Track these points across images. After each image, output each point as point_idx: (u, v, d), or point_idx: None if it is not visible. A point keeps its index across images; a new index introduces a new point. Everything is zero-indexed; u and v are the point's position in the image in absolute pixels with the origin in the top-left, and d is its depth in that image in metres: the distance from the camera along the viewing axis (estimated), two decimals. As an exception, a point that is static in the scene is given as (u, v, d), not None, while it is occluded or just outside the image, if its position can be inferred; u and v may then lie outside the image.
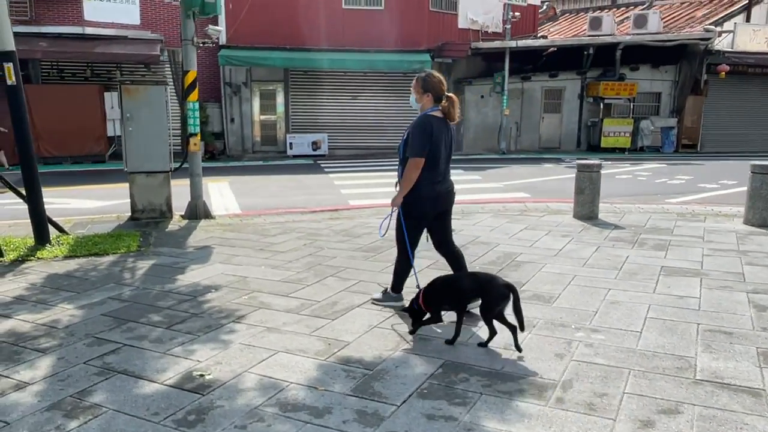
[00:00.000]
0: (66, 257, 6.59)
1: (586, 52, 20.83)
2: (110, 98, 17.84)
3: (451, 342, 4.04)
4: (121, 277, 5.84)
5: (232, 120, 19.47)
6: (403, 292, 4.84)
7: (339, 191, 12.14)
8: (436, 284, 4.14)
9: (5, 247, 6.68)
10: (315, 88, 20.34)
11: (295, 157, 19.41)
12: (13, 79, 6.46)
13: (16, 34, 16.41)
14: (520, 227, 7.96)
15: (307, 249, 6.84)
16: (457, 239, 7.14)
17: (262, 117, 20.28)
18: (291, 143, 19.54)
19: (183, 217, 8.93)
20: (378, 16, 19.52)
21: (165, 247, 7.11)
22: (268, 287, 5.42)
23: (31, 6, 17.13)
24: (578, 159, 9.75)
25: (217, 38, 8.68)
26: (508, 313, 3.91)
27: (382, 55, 19.25)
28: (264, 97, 20.15)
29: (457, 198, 4.81)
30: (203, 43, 8.72)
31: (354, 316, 4.65)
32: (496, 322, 3.92)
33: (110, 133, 17.92)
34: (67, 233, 7.52)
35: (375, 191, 11.95)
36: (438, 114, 4.36)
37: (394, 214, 4.62)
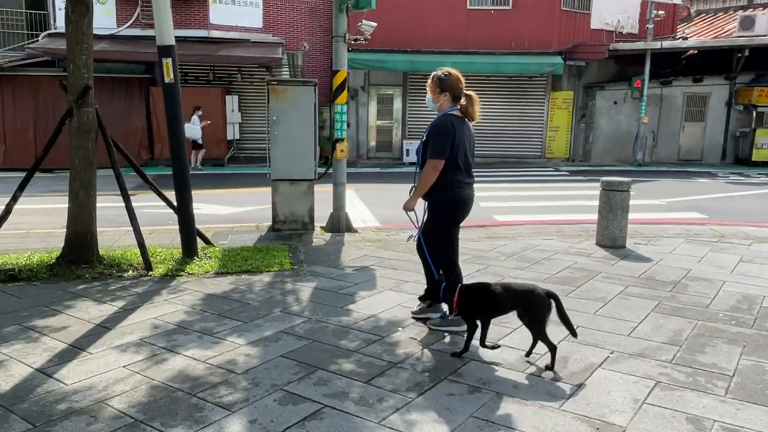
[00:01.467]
0: (217, 273, 5.94)
1: (738, 55, 18.65)
2: (231, 101, 17.75)
3: (456, 354, 3.86)
4: (285, 303, 5.07)
5: (348, 125, 18.87)
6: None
7: (477, 204, 11.06)
8: (472, 290, 3.90)
9: (153, 259, 6.13)
10: (434, 93, 19.43)
11: (411, 164, 18.56)
12: (171, 76, 5.90)
13: (146, 38, 16.67)
14: (733, 258, 6.58)
15: (484, 278, 5.83)
16: (665, 273, 5.90)
17: (378, 122, 19.60)
18: (407, 150, 18.73)
19: (324, 229, 8.20)
20: (505, 16, 18.36)
21: (319, 265, 6.34)
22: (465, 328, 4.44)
23: (160, 9, 17.31)
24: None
25: (370, 35, 7.84)
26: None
27: (509, 57, 18.07)
28: (381, 101, 19.46)
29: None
30: (355, 39, 7.95)
31: (603, 383, 3.57)
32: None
33: (229, 136, 17.83)
34: (213, 245, 6.93)
35: (520, 205, 10.81)
36: (457, 113, 4.15)
37: (412, 216, 4.36)
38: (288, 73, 18.19)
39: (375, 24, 8.03)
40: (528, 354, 3.88)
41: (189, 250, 6.38)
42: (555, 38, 18.46)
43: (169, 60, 5.87)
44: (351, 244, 7.38)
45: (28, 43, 16.84)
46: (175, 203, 6.49)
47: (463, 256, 6.68)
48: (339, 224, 8.16)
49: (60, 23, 16.55)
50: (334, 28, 7.92)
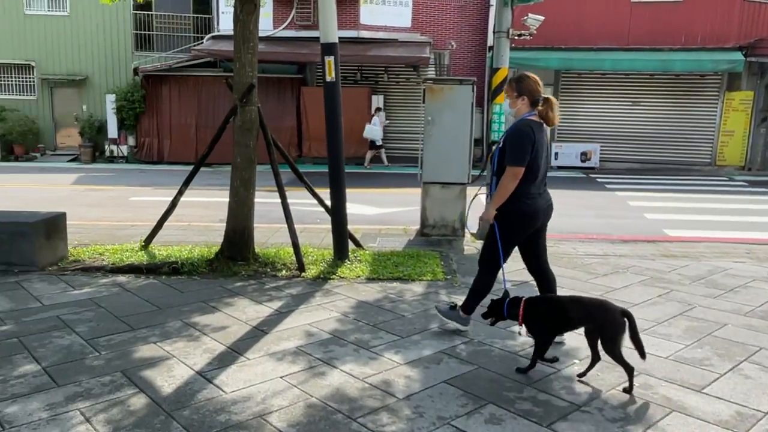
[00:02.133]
0: (368, 279, 5.70)
1: None
2: (376, 101, 17.81)
3: (522, 370, 3.68)
4: (443, 318, 4.68)
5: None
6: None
7: (641, 215, 10.03)
8: (538, 303, 3.71)
9: (305, 259, 6.03)
10: (588, 93, 18.20)
11: (560, 168, 17.52)
12: (333, 75, 5.74)
13: (299, 39, 17.19)
14: None
15: (668, 305, 5.06)
16: None
17: (526, 123, 18.70)
18: (556, 153, 17.68)
19: (474, 236, 7.74)
20: (674, 9, 16.69)
21: (471, 276, 5.86)
22: (657, 368, 3.78)
23: (314, 11, 17.76)
24: None
25: (536, 29, 7.24)
26: None
27: (678, 54, 16.40)
28: (530, 101, 18.56)
29: None
30: (519, 35, 7.40)
31: None
32: None
33: (372, 136, 17.93)
34: (363, 248, 6.74)
35: (693, 219, 9.61)
36: (535, 119, 3.90)
37: (486, 228, 4.09)
38: (434, 72, 17.92)
39: (542, 18, 7.43)
40: (582, 375, 3.62)
41: (340, 253, 6.22)
42: (734, 32, 16.48)
43: (332, 58, 5.72)
44: (506, 255, 6.85)
45: (194, 45, 18.04)
46: (326, 202, 6.37)
47: (638, 276, 5.95)
48: (491, 232, 7.66)
49: (222, 26, 17.56)
50: (496, 23, 7.43)
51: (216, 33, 17.88)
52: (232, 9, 5.94)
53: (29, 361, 3.76)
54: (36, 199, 10.72)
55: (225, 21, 17.37)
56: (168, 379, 3.56)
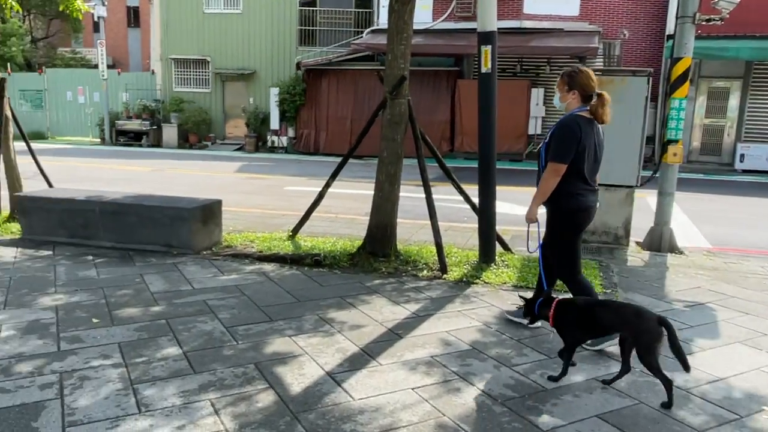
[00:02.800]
0: (515, 286, 5.25)
1: None
2: (536, 94, 16.98)
3: (554, 378, 3.42)
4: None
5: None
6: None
7: None
8: (570, 306, 3.48)
9: (448, 260, 5.71)
10: (785, 87, 15.86)
11: (744, 172, 15.47)
12: (489, 65, 5.34)
13: (458, 31, 16.84)
14: None
15: None
16: None
17: (706, 121, 16.76)
18: (742, 155, 15.63)
19: (640, 246, 6.92)
20: None
21: (637, 293, 5.21)
22: None
23: (474, 2, 17.32)
24: None
25: (728, 14, 6.25)
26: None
27: None
28: (712, 96, 16.58)
29: None
30: (707, 20, 6.43)
31: None
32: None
33: (530, 131, 17.11)
34: (511, 251, 6.27)
35: None
36: (586, 114, 3.73)
37: (533, 229, 4.00)
38: (603, 64, 16.65)
39: (737, 0, 6.38)
40: (608, 383, 3.41)
41: (486, 255, 5.81)
42: None
43: (489, 47, 5.32)
44: (677, 270, 6.01)
45: (354, 40, 18.44)
46: (474, 199, 6.00)
47: None
48: (661, 242, 6.80)
49: (382, 20, 17.74)
50: (680, 6, 6.52)
51: (375, 27, 18.12)
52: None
53: (173, 344, 3.85)
54: (201, 185, 11.51)
55: (385, 15, 17.54)
56: (298, 377, 3.43)
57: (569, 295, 3.91)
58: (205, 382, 3.36)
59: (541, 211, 3.90)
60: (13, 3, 7.83)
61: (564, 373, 3.46)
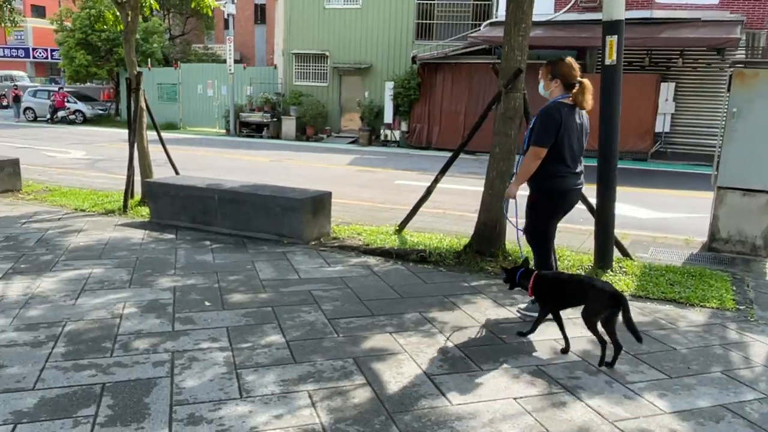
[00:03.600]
0: (634, 296, 4.86)
1: None
2: (666, 89, 15.81)
3: (522, 334, 3.92)
4: (728, 361, 3.72)
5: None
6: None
7: None
8: (545, 278, 3.85)
9: (560, 264, 5.41)
10: None
11: None
12: (614, 57, 4.98)
13: (581, 23, 16.02)
14: None
15: None
16: None
17: None
18: None
19: (782, 258, 6.20)
20: None
21: (776, 311, 4.65)
22: None
23: (600, -8, 16.44)
24: None
25: None
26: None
27: None
28: None
29: None
30: None
31: None
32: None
33: (658, 128, 15.97)
34: (630, 257, 5.84)
35: None
36: (568, 101, 3.98)
37: (510, 205, 4.28)
38: (745, 56, 15.19)
39: None
40: (610, 365, 3.57)
41: (602, 261, 5.45)
42: None
43: (615, 38, 4.95)
44: (828, 288, 5.31)
45: (471, 33, 18.12)
46: (591, 200, 5.64)
47: None
48: (807, 255, 6.05)
49: (501, 12, 17.28)
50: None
51: (493, 19, 17.71)
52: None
53: (276, 332, 3.93)
54: (315, 177, 11.81)
55: (504, 7, 17.10)
56: (396, 376, 3.37)
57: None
58: (305, 372, 3.38)
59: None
60: (152, 1, 8.39)
61: (531, 331, 3.90)
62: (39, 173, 10.83)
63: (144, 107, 7.72)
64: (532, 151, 3.98)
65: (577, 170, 4.12)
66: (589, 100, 4.00)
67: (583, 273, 5.24)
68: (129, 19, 7.72)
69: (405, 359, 3.59)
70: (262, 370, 3.40)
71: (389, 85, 18.99)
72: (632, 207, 8.96)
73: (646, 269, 5.51)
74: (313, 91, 21.43)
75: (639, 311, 4.51)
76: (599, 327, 3.55)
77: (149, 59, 26.23)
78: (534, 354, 3.73)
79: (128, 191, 7.62)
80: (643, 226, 7.79)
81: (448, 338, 3.92)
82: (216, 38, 36.80)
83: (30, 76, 38.83)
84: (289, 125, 20.72)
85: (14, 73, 36.39)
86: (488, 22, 17.75)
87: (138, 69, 7.75)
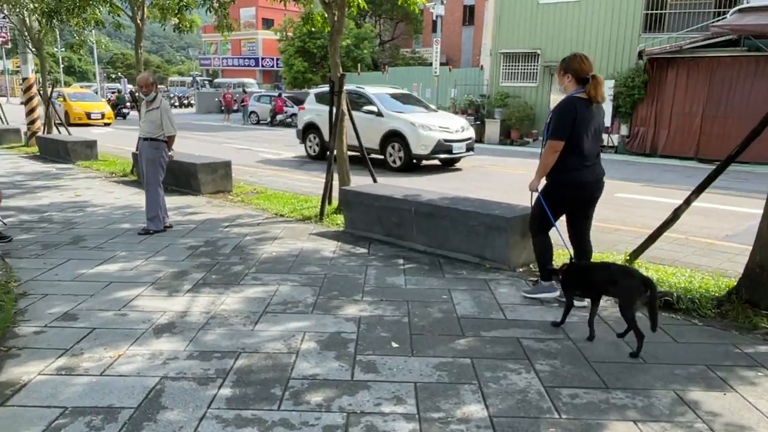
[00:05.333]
0: None
1: None
2: None
3: (556, 324, 3.97)
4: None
5: None
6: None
7: None
8: (572, 268, 3.92)
9: None
10: None
11: None
12: None
13: None
14: None
15: None
16: None
17: None
18: None
19: None
20: None
21: None
22: None
23: None
24: None
25: None
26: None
27: None
28: None
29: None
30: None
31: None
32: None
33: None
34: None
35: None
36: (583, 96, 4.08)
37: (534, 197, 4.38)
38: None
39: None
40: (635, 354, 3.52)
41: None
42: None
43: None
44: None
45: (713, 22, 15.46)
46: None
47: None
48: None
49: (755, -5, 14.46)
50: None
51: (743, 5, 14.91)
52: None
53: (477, 398, 3.04)
54: (518, 186, 10.66)
55: (758, -11, 14.27)
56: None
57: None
58: (514, 473, 2.44)
59: None
60: (360, 0, 8.02)
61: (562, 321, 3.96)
62: (251, 174, 11.27)
63: (345, 111, 7.35)
64: (549, 144, 4.09)
65: (596, 164, 4.23)
66: (602, 92, 4.05)
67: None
68: (335, 19, 7.41)
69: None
70: (456, 460, 2.53)
71: (609, 84, 16.98)
72: None
73: None
74: (520, 92, 20.19)
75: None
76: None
77: (359, 64, 27.09)
78: None
79: (325, 198, 7.32)
80: None
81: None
82: (423, 42, 37.13)
83: (258, 83, 42.85)
84: (492, 128, 19.76)
85: (245, 80, 40.39)
86: (737, 8, 14.96)
87: (341, 72, 7.41)
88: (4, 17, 15.51)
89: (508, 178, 11.63)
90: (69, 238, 6.15)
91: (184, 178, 8.98)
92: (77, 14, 10.48)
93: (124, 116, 30.50)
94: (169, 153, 6.40)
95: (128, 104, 30.48)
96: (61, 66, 55.09)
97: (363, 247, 5.96)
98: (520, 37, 20.09)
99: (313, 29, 9.40)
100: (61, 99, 24.68)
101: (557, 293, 4.41)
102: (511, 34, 20.31)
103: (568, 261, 4.09)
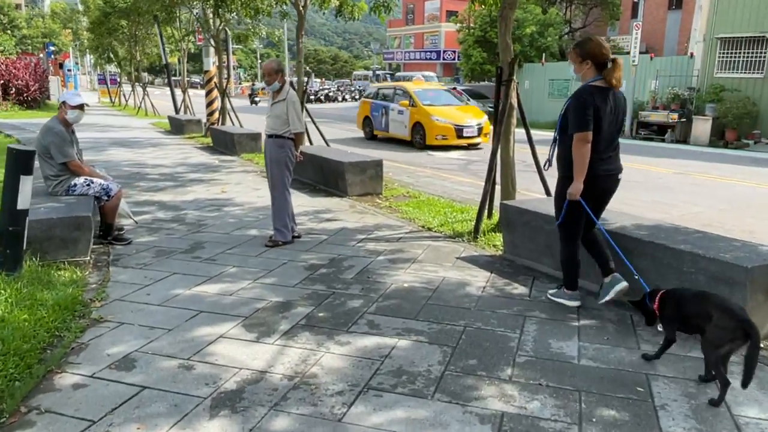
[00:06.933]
0: None
1: None
2: None
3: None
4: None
5: None
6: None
7: None
8: (669, 294, 3.22)
9: None
10: None
11: None
12: None
13: None
14: None
15: None
16: None
17: None
18: None
19: None
20: None
21: None
22: None
23: None
24: None
25: None
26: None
27: None
28: None
29: None
30: None
31: None
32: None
33: None
34: None
35: None
36: (601, 84, 3.75)
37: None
38: None
39: None
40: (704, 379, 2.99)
41: None
42: None
43: None
44: None
45: None
46: None
47: None
48: None
49: None
50: None
51: None
52: None
53: None
54: (742, 202, 8.30)
55: None
56: None
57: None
58: None
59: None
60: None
61: (656, 356, 3.27)
62: (408, 174, 10.19)
63: (515, 104, 5.88)
64: (578, 138, 3.68)
65: (616, 156, 3.87)
66: (620, 77, 3.74)
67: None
68: (509, -9, 5.95)
69: None
70: None
71: None
72: None
73: None
74: (741, 85, 16.73)
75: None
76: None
77: (543, 54, 24.92)
78: None
79: (482, 211, 5.93)
80: None
81: None
82: (620, 28, 33.46)
83: (438, 77, 42.10)
84: (701, 127, 16.63)
85: (426, 73, 39.83)
86: None
87: (513, 55, 5.94)
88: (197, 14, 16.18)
89: (727, 192, 9.20)
90: (188, 245, 5.49)
91: (332, 177, 8.13)
92: (244, 4, 10.16)
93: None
94: (296, 153, 5.46)
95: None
96: (259, 61, 59.34)
97: (524, 284, 4.49)
98: (744, 19, 16.64)
99: (492, 11, 7.99)
100: (405, 103, 14.48)
101: (577, 304, 4.02)
102: (732, 16, 16.93)
103: (654, 289, 3.35)
